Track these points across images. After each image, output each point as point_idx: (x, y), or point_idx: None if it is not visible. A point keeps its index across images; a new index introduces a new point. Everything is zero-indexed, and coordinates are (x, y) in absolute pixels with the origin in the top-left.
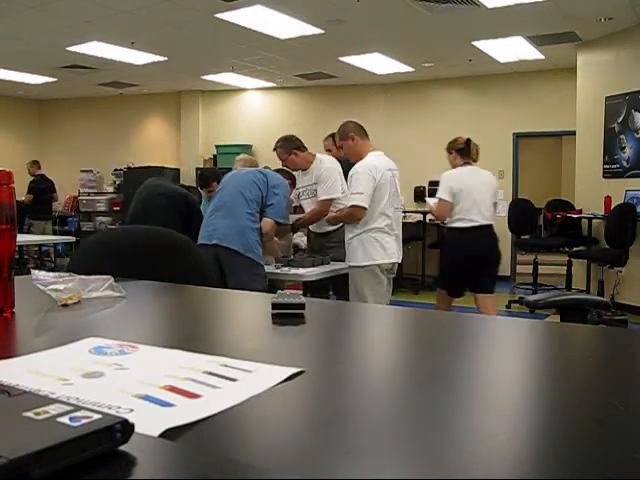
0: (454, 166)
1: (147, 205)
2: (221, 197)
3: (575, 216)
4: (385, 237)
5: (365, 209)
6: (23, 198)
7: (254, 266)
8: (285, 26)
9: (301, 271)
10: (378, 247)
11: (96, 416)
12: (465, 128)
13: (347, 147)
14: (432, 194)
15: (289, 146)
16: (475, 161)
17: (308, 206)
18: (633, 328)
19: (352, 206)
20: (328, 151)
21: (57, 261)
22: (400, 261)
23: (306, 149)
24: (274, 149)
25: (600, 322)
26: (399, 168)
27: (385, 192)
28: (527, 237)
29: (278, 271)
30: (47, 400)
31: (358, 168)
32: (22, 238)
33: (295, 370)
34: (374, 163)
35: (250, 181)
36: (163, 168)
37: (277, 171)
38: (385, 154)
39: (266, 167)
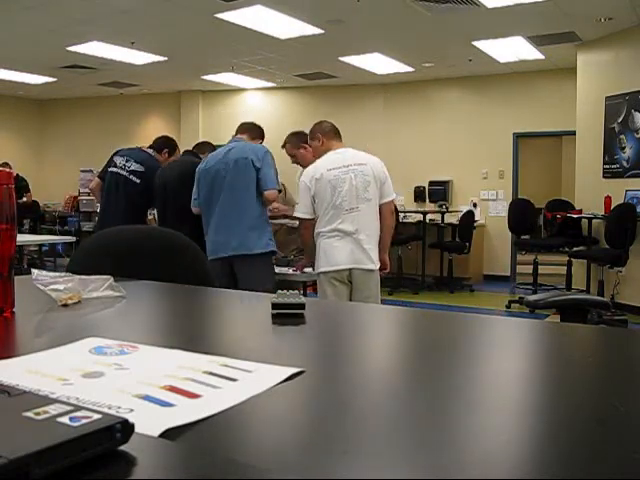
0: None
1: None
2: (221, 202)
3: (575, 216)
4: (333, 242)
5: (304, 219)
6: None
7: (265, 259)
8: (285, 26)
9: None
10: (322, 255)
11: (96, 416)
12: (465, 128)
13: (314, 148)
14: (432, 194)
15: (298, 140)
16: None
17: None
18: (633, 328)
19: (294, 217)
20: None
21: (57, 261)
22: (364, 267)
23: None
24: (282, 146)
25: (600, 322)
26: (399, 168)
27: (325, 193)
28: (527, 237)
29: (277, 270)
30: (47, 400)
31: (301, 177)
32: (22, 238)
33: (295, 370)
34: (313, 166)
35: (246, 164)
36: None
37: None
38: (353, 149)
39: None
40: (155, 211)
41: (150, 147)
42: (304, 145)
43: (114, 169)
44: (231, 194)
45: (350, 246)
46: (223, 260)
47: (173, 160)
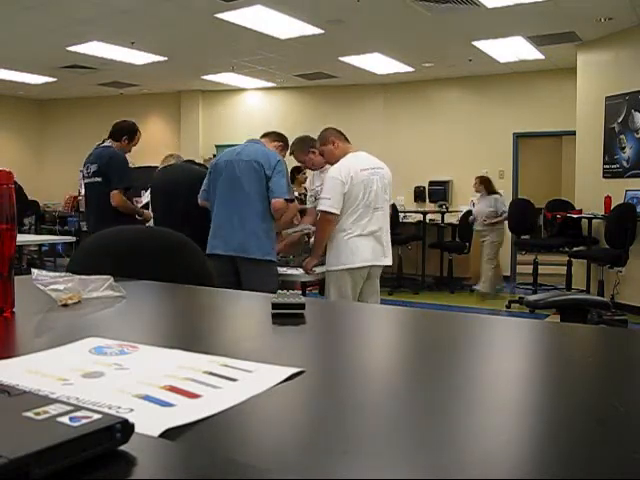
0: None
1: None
2: (227, 199)
3: (575, 216)
4: (360, 239)
5: (332, 214)
6: None
7: (269, 267)
8: (285, 26)
9: (300, 271)
10: (347, 252)
11: (96, 416)
12: (465, 128)
13: (328, 152)
14: (432, 194)
15: (305, 145)
16: None
17: None
18: (633, 328)
19: (319, 210)
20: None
21: (57, 261)
22: (382, 263)
23: None
24: (290, 153)
25: (600, 322)
26: (399, 168)
27: (358, 192)
28: (527, 237)
29: (279, 271)
30: (47, 400)
31: (329, 172)
32: (22, 238)
33: (295, 370)
34: (345, 164)
35: (254, 170)
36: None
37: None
38: (371, 154)
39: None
40: (150, 210)
41: (109, 138)
42: (312, 150)
43: (84, 182)
44: (238, 194)
45: (373, 243)
46: (224, 258)
47: (176, 164)
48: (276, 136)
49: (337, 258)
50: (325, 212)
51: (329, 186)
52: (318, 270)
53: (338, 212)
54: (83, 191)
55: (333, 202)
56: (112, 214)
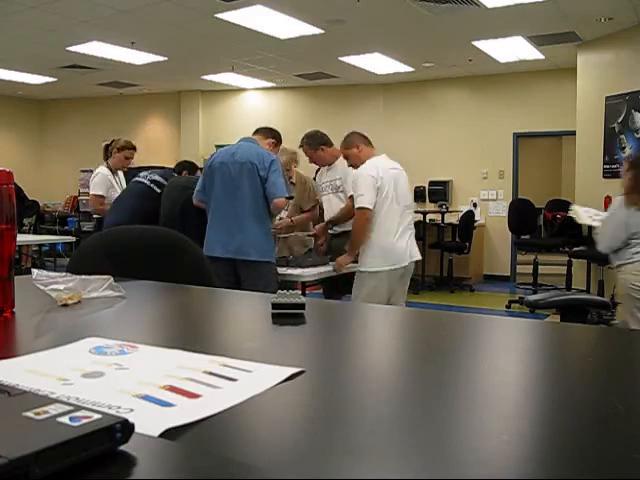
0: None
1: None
2: (223, 201)
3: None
4: (396, 238)
5: (370, 210)
6: None
7: (269, 267)
8: (285, 26)
9: (299, 271)
10: (388, 251)
11: (96, 416)
12: (465, 128)
13: (353, 155)
14: (432, 194)
15: (315, 142)
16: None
17: (327, 201)
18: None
19: (357, 208)
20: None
21: (57, 261)
22: (413, 260)
23: (332, 144)
24: (300, 146)
25: (600, 322)
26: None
27: (390, 190)
28: (527, 237)
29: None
30: (47, 400)
31: (358, 171)
32: (22, 238)
33: (295, 370)
34: (375, 163)
35: (250, 171)
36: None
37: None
38: (389, 157)
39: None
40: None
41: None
42: (322, 147)
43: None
44: (234, 197)
45: (407, 241)
46: (222, 260)
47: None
48: (268, 132)
49: (376, 258)
50: (363, 208)
51: (363, 183)
52: (322, 270)
53: (373, 207)
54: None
55: (367, 197)
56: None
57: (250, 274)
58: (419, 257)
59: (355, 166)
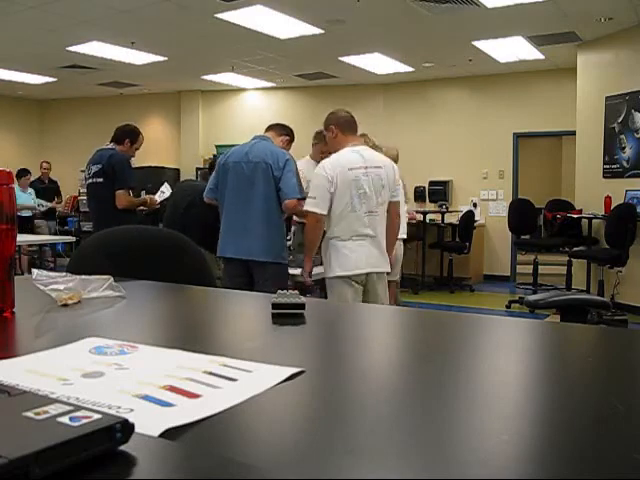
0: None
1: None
2: (236, 201)
3: (575, 216)
4: (352, 245)
5: (318, 214)
6: None
7: (280, 268)
8: (285, 26)
9: (298, 271)
10: (340, 257)
11: (96, 416)
12: (465, 128)
13: (328, 140)
14: (432, 194)
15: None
16: None
17: None
18: (633, 328)
19: (305, 210)
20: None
21: (57, 261)
22: (380, 270)
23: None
24: (313, 145)
25: (600, 322)
26: (399, 168)
27: (346, 194)
28: (527, 237)
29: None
30: (47, 400)
31: (316, 169)
32: (22, 238)
33: (295, 370)
34: (334, 161)
35: (265, 171)
36: (163, 168)
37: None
38: (369, 149)
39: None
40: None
41: (111, 142)
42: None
43: (86, 182)
44: (248, 197)
45: (368, 250)
46: (235, 261)
47: (194, 183)
48: (282, 129)
49: (331, 264)
50: (310, 212)
51: (315, 184)
52: (321, 270)
53: (324, 212)
54: (85, 192)
55: (318, 201)
56: (113, 214)
57: (262, 275)
58: (383, 269)
59: (329, 151)
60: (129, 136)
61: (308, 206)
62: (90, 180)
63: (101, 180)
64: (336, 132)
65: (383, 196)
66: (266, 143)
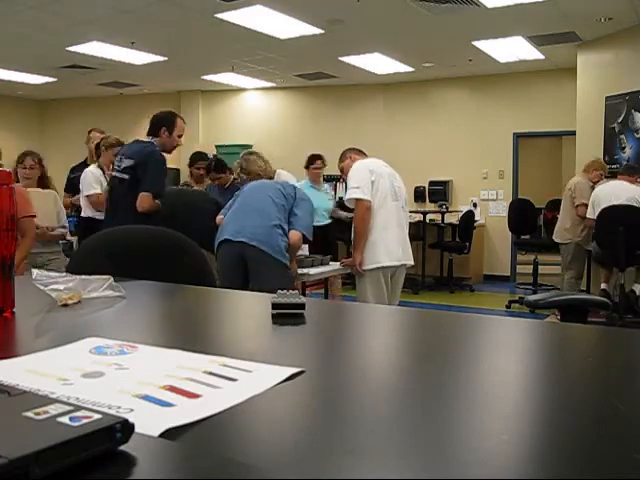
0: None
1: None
2: (247, 197)
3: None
4: (392, 236)
5: (367, 201)
6: None
7: (282, 268)
8: (285, 26)
9: (299, 271)
10: (382, 248)
11: (96, 416)
12: (465, 128)
13: (347, 167)
14: (432, 194)
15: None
16: None
17: None
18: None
19: (354, 199)
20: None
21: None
22: (409, 263)
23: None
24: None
25: (622, 325)
26: (399, 168)
27: (385, 185)
28: (527, 237)
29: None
30: (47, 400)
31: (353, 167)
32: None
33: (295, 370)
34: (368, 161)
35: (277, 189)
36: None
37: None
38: (371, 154)
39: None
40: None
41: (148, 135)
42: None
43: (113, 174)
44: (261, 199)
45: (402, 242)
46: (233, 246)
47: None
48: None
49: (372, 256)
50: (361, 200)
51: (356, 177)
52: (321, 270)
53: (370, 199)
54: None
55: (363, 188)
56: (132, 216)
57: (259, 266)
58: (411, 262)
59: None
60: (164, 123)
61: (355, 194)
62: (117, 174)
63: (127, 177)
64: (354, 156)
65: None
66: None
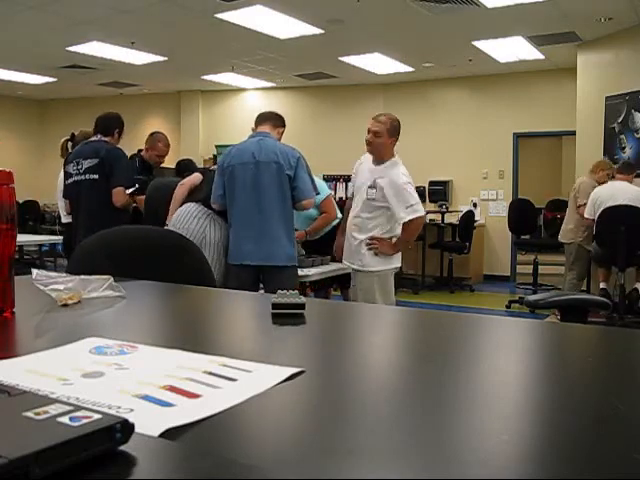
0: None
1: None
2: (248, 205)
3: None
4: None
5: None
6: None
7: (294, 271)
8: (285, 26)
9: (301, 271)
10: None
11: (96, 416)
12: (465, 128)
13: (380, 144)
14: (432, 194)
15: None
16: None
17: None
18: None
19: (417, 217)
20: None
21: (57, 261)
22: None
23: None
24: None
25: (623, 325)
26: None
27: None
28: (527, 237)
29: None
30: (47, 400)
31: (402, 178)
32: (22, 238)
33: (295, 370)
34: (403, 168)
35: (274, 176)
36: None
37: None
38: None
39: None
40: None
41: (96, 133)
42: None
43: (71, 180)
44: (259, 200)
45: None
46: (250, 268)
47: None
48: (276, 119)
49: (389, 258)
50: (421, 217)
51: (412, 191)
52: (322, 270)
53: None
54: (62, 190)
55: (419, 206)
56: (110, 214)
57: (274, 278)
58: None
59: (375, 155)
60: (119, 126)
61: (418, 213)
62: (81, 177)
63: (96, 177)
64: (392, 140)
65: None
66: (271, 141)
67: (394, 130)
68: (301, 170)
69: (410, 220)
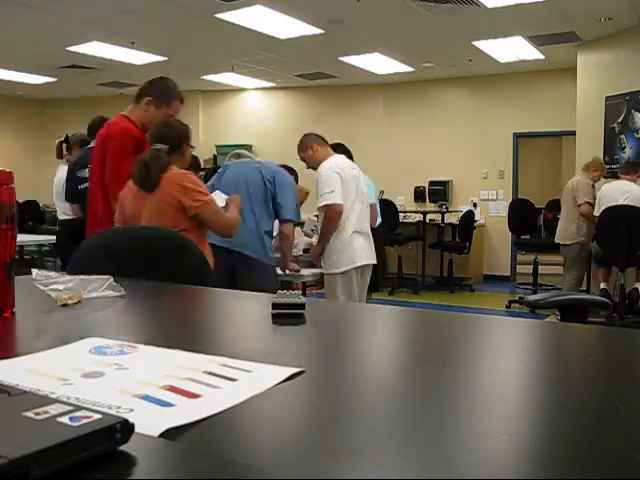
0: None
1: None
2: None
3: None
4: (359, 237)
5: (342, 205)
6: None
7: (268, 268)
8: (285, 26)
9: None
10: (352, 249)
11: (96, 416)
12: (465, 128)
13: (308, 157)
14: (432, 194)
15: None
16: None
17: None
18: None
19: (326, 206)
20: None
21: (57, 261)
22: (373, 262)
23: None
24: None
25: (623, 325)
26: (399, 168)
27: (352, 187)
28: (527, 237)
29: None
30: (47, 400)
31: (322, 170)
32: (22, 238)
33: (295, 370)
34: (336, 162)
35: (258, 180)
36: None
37: (281, 167)
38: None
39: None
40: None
41: (92, 138)
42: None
43: (84, 185)
44: (243, 195)
45: (367, 241)
46: (218, 250)
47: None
48: (289, 169)
49: (344, 257)
50: (335, 204)
51: (329, 180)
52: (317, 271)
53: (343, 203)
54: (59, 192)
55: (337, 193)
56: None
57: (246, 271)
58: (374, 261)
59: (313, 168)
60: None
61: (332, 199)
62: (86, 185)
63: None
64: (316, 147)
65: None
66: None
67: (312, 142)
68: (291, 194)
69: (324, 209)
